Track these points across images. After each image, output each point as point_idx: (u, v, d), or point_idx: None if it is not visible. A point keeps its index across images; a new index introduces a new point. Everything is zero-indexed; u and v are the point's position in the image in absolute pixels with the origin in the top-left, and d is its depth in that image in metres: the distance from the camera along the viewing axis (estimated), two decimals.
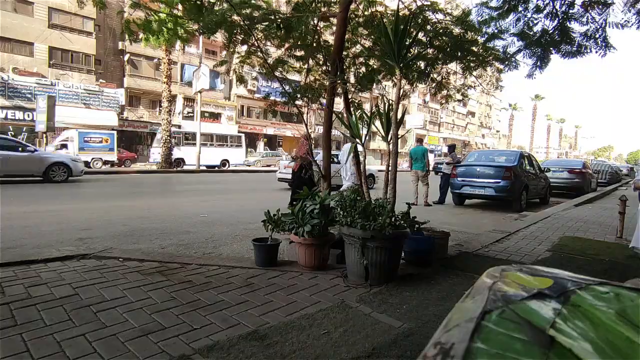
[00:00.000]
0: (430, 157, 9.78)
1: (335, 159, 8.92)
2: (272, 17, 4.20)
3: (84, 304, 2.39)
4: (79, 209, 6.82)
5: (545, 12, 4.26)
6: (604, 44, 4.12)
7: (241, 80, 5.25)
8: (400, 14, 3.40)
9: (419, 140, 10.51)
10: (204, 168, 21.80)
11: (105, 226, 5.21)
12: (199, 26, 4.10)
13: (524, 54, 4.52)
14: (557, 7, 4.18)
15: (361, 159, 4.19)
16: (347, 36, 4.49)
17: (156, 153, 21.49)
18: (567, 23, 4.19)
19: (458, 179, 9.10)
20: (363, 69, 5.20)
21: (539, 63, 4.49)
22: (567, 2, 4.12)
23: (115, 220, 5.69)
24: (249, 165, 26.54)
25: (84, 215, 6.02)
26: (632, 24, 3.89)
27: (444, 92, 5.35)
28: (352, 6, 4.52)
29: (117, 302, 2.44)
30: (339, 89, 4.29)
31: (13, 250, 3.72)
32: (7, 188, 9.21)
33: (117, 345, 1.92)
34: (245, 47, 4.86)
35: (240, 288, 2.79)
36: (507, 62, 4.64)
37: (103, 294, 2.56)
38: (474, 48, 4.58)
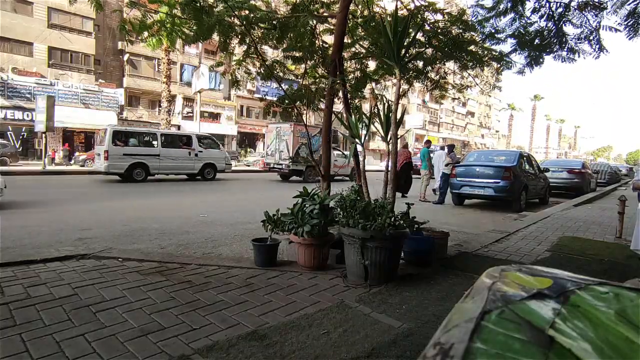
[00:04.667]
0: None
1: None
2: (269, 17, 4.20)
3: (83, 304, 2.39)
4: (78, 208, 6.81)
5: (540, 13, 4.29)
6: (597, 46, 4.15)
7: (236, 83, 5.26)
8: (399, 14, 3.41)
9: (427, 142, 11.24)
10: None
11: (105, 226, 5.20)
12: (194, 34, 4.10)
13: (518, 53, 4.57)
14: (553, 8, 4.20)
15: (360, 159, 4.20)
16: (345, 38, 4.49)
17: None
18: (563, 25, 4.22)
19: (457, 179, 9.10)
20: (359, 73, 5.21)
21: (531, 62, 4.56)
22: (562, 3, 4.15)
23: (115, 220, 5.68)
24: (249, 165, 26.51)
25: (83, 215, 6.02)
26: (623, 28, 3.92)
27: (440, 90, 5.38)
28: (352, 7, 4.52)
29: (117, 302, 2.44)
30: (339, 92, 4.29)
31: (13, 250, 3.71)
32: None
33: (116, 346, 1.92)
34: (243, 48, 4.84)
35: (240, 288, 2.79)
36: (502, 62, 4.68)
37: (102, 294, 2.56)
38: (472, 48, 4.59)
